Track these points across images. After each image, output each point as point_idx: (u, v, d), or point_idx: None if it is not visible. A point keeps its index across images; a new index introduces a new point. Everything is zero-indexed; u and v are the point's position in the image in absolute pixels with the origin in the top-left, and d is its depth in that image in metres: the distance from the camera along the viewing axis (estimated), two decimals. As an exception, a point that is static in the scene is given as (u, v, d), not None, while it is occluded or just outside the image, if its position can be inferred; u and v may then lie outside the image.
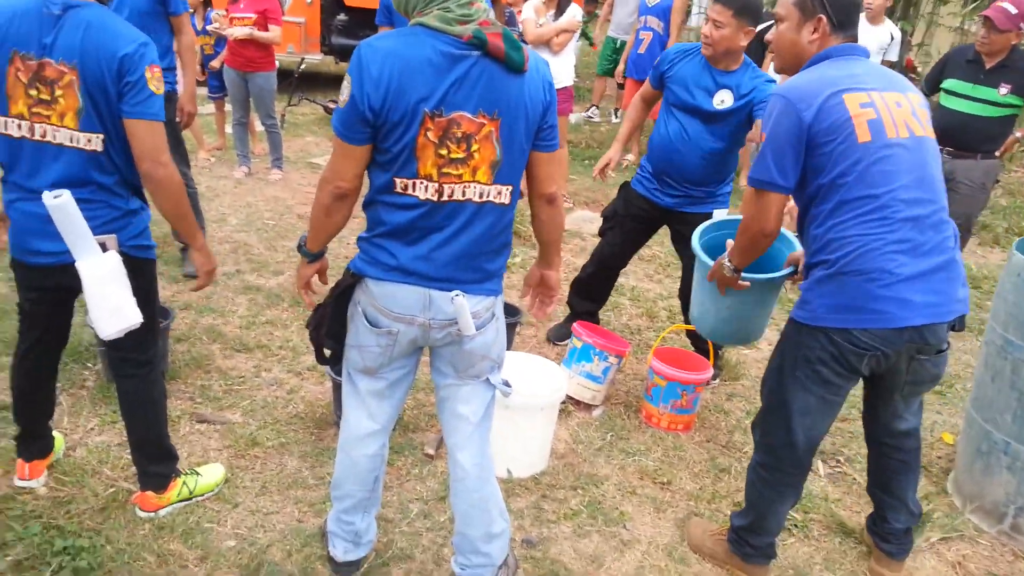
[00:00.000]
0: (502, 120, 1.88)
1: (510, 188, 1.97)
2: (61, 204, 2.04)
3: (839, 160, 2.07)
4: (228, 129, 6.09)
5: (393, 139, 1.84)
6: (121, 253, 2.20)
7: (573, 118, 8.11)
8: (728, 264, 2.44)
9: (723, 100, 3.21)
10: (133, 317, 2.20)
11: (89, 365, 3.27)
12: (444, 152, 1.87)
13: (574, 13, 5.71)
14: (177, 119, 3.94)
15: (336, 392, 2.96)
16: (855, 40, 2.23)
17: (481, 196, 1.93)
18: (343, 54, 8.60)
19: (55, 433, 2.68)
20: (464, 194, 1.91)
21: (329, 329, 2.13)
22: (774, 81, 3.25)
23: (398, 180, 1.89)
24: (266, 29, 5.51)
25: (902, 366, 2.19)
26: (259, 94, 5.66)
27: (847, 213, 2.07)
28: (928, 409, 3.67)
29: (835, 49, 2.19)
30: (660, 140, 3.37)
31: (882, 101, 2.10)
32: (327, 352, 2.20)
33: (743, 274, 2.45)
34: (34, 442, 2.57)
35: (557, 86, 5.67)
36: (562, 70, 5.77)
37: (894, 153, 2.07)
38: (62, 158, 2.13)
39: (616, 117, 8.80)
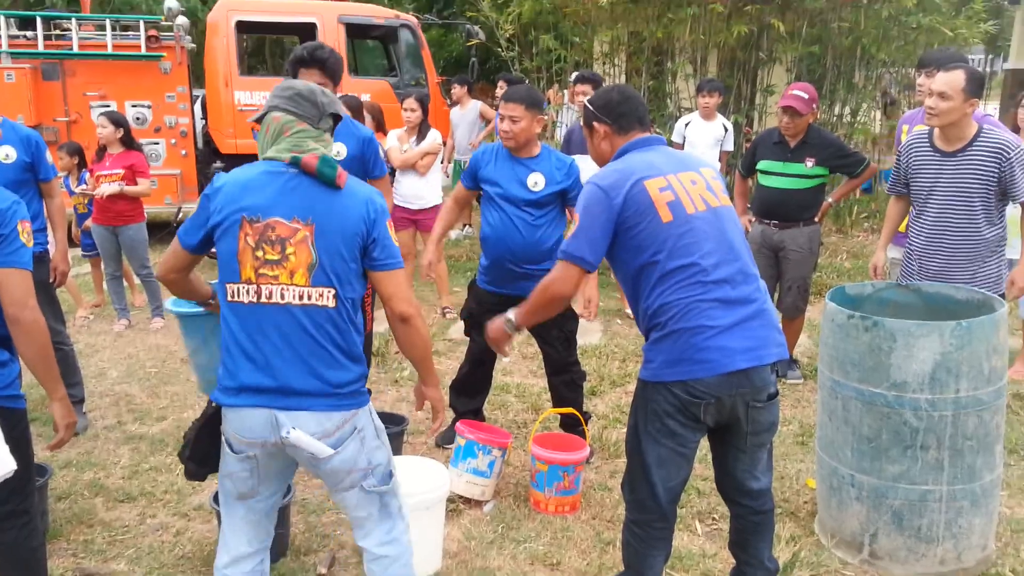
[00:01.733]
0: (316, 226, 2.08)
1: (332, 292, 2.11)
2: None
3: (650, 240, 2.36)
4: (105, 285, 6.10)
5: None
6: None
7: (453, 234, 8.47)
8: (512, 320, 2.63)
9: (536, 182, 3.57)
10: (7, 465, 2.18)
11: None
12: (260, 254, 2.06)
13: (434, 137, 6.12)
14: (51, 279, 4.01)
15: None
16: (646, 132, 2.58)
17: (301, 298, 2.08)
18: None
19: None
20: (283, 296, 2.07)
21: (193, 453, 2.24)
22: (574, 164, 3.68)
23: (228, 286, 2.09)
24: (134, 183, 5.64)
25: (739, 414, 2.41)
26: (131, 245, 5.73)
27: (667, 283, 2.35)
28: (792, 459, 3.95)
29: (630, 144, 2.53)
30: (490, 232, 3.66)
31: (678, 182, 2.42)
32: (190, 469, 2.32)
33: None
34: None
35: (427, 205, 6.05)
36: (431, 190, 6.13)
37: (695, 226, 2.37)
38: None
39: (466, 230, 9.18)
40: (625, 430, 2.67)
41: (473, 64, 9.23)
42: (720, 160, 6.43)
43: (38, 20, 8.16)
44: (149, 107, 8.36)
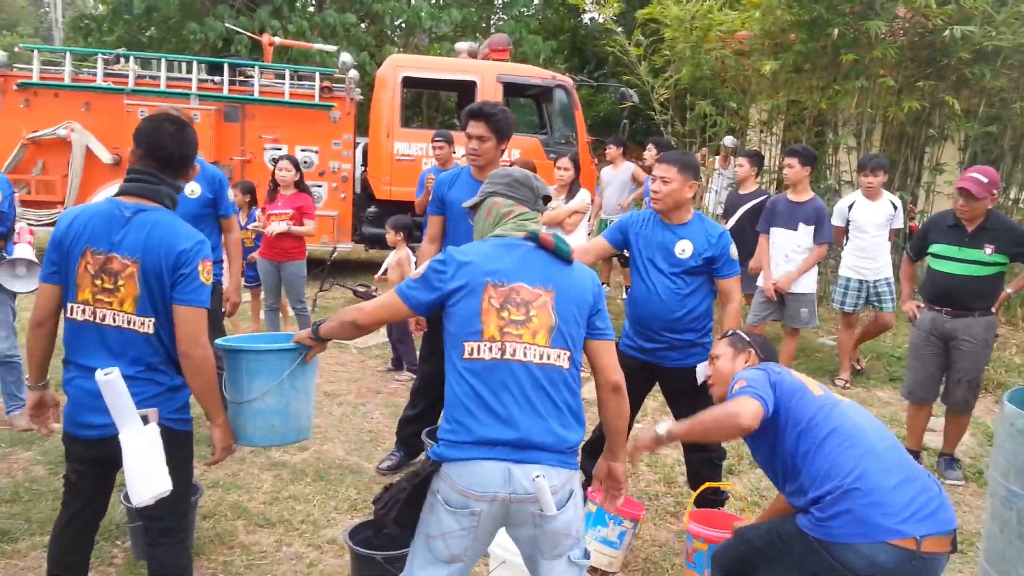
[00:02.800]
0: (555, 292, 2.24)
1: (568, 354, 2.24)
2: (111, 380, 2.26)
3: (804, 409, 2.51)
4: (262, 315, 6.45)
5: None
6: (161, 425, 2.36)
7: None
8: (665, 435, 2.59)
9: (684, 249, 3.50)
10: (164, 485, 2.33)
11: (119, 543, 3.38)
12: (505, 315, 2.20)
13: (583, 196, 6.17)
14: (223, 308, 4.31)
15: (355, 564, 3.03)
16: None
17: (541, 358, 2.20)
18: (372, 242, 9.17)
19: None
20: (525, 355, 2.18)
21: (400, 516, 2.23)
22: (725, 234, 3.58)
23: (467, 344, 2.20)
24: (301, 223, 5.99)
25: None
26: (290, 280, 6.06)
27: (831, 443, 2.44)
28: (949, 569, 3.60)
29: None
30: (635, 296, 3.64)
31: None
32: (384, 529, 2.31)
33: (255, 346, 2.67)
34: None
35: (571, 265, 6.05)
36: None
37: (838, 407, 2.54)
38: (118, 339, 2.37)
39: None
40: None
41: (624, 126, 9.31)
42: (888, 239, 6.04)
43: (225, 66, 8.92)
44: (316, 152, 8.90)
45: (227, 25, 13.78)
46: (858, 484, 2.31)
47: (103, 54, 9.01)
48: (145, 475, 2.30)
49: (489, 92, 8.92)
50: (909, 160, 8.24)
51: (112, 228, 2.38)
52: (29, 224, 7.95)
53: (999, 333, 7.60)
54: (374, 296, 7.71)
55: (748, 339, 2.89)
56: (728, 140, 8.70)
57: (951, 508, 2.37)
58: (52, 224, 8.48)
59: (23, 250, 4.44)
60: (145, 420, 2.34)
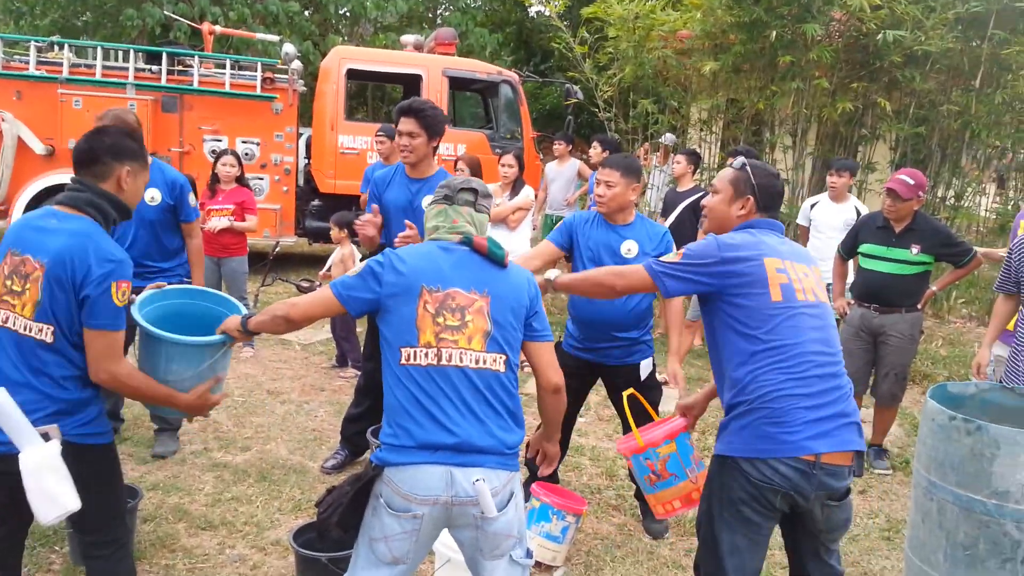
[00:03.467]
0: (491, 298, 2.28)
1: (504, 357, 2.28)
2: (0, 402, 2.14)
3: (755, 314, 2.37)
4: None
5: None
6: (66, 441, 2.26)
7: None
8: (552, 280, 2.89)
9: (629, 249, 3.59)
10: (70, 504, 2.24)
11: (56, 548, 3.32)
12: (441, 320, 2.23)
13: (527, 193, 6.22)
14: None
15: (300, 565, 3.04)
16: (776, 219, 2.63)
17: (477, 362, 2.24)
18: (316, 236, 9.08)
19: None
20: (462, 360, 2.23)
21: (343, 518, 2.25)
22: (667, 234, 3.68)
23: (404, 350, 2.23)
24: (243, 219, 5.91)
25: (816, 511, 2.39)
26: (232, 276, 5.98)
27: (763, 360, 2.35)
28: (876, 554, 3.78)
29: (757, 222, 2.57)
30: (578, 297, 3.67)
31: (793, 270, 2.45)
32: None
33: (178, 337, 2.52)
34: None
35: (514, 258, 6.10)
36: (519, 244, 6.19)
37: (801, 313, 2.38)
38: (18, 346, 2.27)
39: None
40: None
41: (569, 122, 9.38)
42: None
43: (163, 55, 8.70)
44: (258, 144, 8.76)
45: (166, 12, 13.43)
46: (768, 404, 2.32)
47: (36, 41, 8.71)
48: (47, 495, 2.21)
49: (435, 86, 8.90)
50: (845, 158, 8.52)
51: (37, 233, 2.32)
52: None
53: (925, 327, 7.94)
54: (302, 287, 7.67)
55: (754, 182, 2.58)
56: (667, 138, 8.85)
57: (859, 431, 2.40)
58: (-18, 217, 8.24)
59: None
60: (46, 437, 2.23)
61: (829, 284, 5.83)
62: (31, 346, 2.27)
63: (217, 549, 3.44)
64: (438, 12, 19.32)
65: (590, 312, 3.64)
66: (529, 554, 2.33)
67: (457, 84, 9.39)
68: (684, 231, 6.06)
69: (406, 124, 3.79)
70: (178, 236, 4.21)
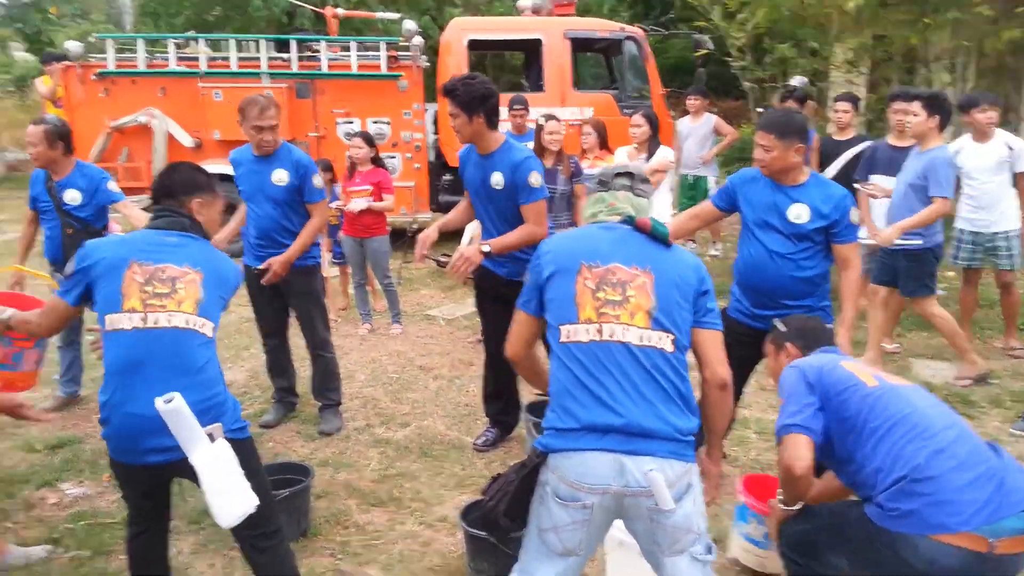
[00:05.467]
0: (655, 274, 2.17)
1: (671, 337, 2.15)
2: (174, 407, 2.18)
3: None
4: (351, 290, 6.54)
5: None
6: (227, 438, 2.32)
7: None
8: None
9: (799, 215, 3.30)
10: (250, 501, 2.31)
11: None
12: (601, 295, 2.15)
13: (664, 154, 6.00)
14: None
15: (469, 544, 3.05)
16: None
17: (641, 340, 2.13)
18: (451, 209, 9.14)
19: None
20: (624, 335, 2.13)
21: (510, 508, 2.20)
22: (846, 198, 3.35)
23: (563, 328, 2.17)
24: (380, 199, 6.02)
25: None
26: (375, 257, 6.10)
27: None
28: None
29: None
30: (745, 262, 3.48)
31: None
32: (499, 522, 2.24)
33: None
34: None
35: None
36: (661, 210, 5.99)
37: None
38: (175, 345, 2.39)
39: (714, 249, 8.87)
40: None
41: (701, 74, 8.98)
42: (1016, 186, 5.33)
43: (292, 43, 8.93)
44: (388, 123, 8.88)
45: (291, 0, 13.79)
46: (925, 477, 2.12)
47: (174, 38, 9.14)
48: (228, 495, 2.27)
49: (556, 49, 8.73)
50: (1010, 94, 7.76)
51: (162, 247, 2.48)
52: (117, 212, 8.22)
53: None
54: (442, 262, 7.74)
55: (784, 330, 2.79)
56: (797, 80, 8.29)
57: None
58: (144, 209, 8.76)
59: (112, 237, 4.55)
60: (212, 438, 2.28)
61: (1006, 233, 5.32)
62: (189, 343, 2.35)
63: (387, 526, 3.52)
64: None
65: (761, 278, 3.42)
66: (711, 550, 2.17)
67: (579, 45, 9.16)
68: (849, 185, 5.63)
69: (448, 106, 3.73)
70: (303, 216, 4.28)
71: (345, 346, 5.83)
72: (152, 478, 2.43)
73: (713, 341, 2.26)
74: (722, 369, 2.25)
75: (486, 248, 3.68)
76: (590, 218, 2.38)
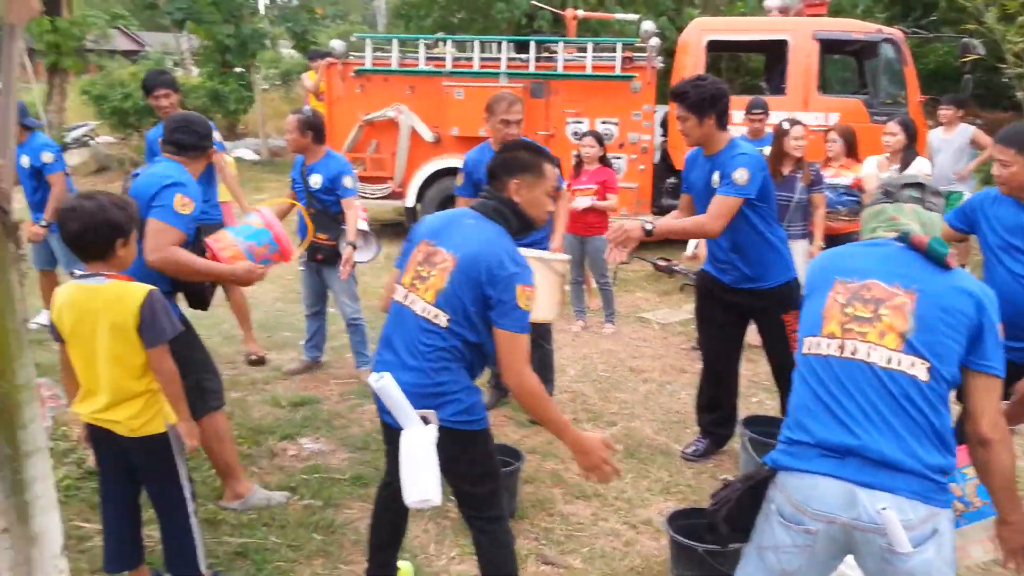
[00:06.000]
0: (918, 296, 1.99)
1: (926, 365, 1.95)
2: (383, 386, 2.36)
3: None
4: (567, 286, 6.63)
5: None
6: (444, 427, 2.40)
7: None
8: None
9: None
10: (431, 495, 2.37)
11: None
12: (850, 311, 2.03)
13: (921, 165, 5.52)
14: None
15: (675, 551, 2.99)
16: None
17: (888, 362, 1.97)
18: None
19: (401, 564, 2.97)
20: (869, 355, 1.99)
21: (731, 515, 2.13)
22: None
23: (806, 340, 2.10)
24: (604, 198, 6.05)
25: None
26: (594, 255, 6.14)
27: None
28: None
29: None
30: (995, 288, 3.05)
31: None
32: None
33: None
34: (378, 570, 2.83)
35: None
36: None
37: None
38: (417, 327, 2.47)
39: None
40: None
41: (967, 82, 8.14)
42: None
43: (531, 44, 9.21)
44: (616, 124, 8.91)
45: (532, 2, 14.25)
46: None
47: (424, 39, 9.75)
48: (413, 479, 2.36)
49: (803, 51, 8.31)
50: None
51: (453, 229, 2.52)
52: (364, 199, 8.93)
53: None
54: (675, 269, 7.63)
55: None
56: None
57: None
58: (385, 198, 9.48)
59: (360, 224, 4.94)
60: (425, 421, 2.39)
61: None
62: (423, 328, 2.45)
63: (591, 520, 3.54)
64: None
65: (1006, 308, 3.03)
66: None
67: (829, 47, 8.65)
68: None
69: (675, 109, 3.62)
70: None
71: (558, 340, 5.89)
72: (387, 435, 2.60)
73: (983, 389, 1.99)
74: (983, 423, 1.97)
75: (649, 227, 3.52)
76: (869, 233, 2.23)
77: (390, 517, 2.80)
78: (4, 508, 1.58)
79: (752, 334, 4.08)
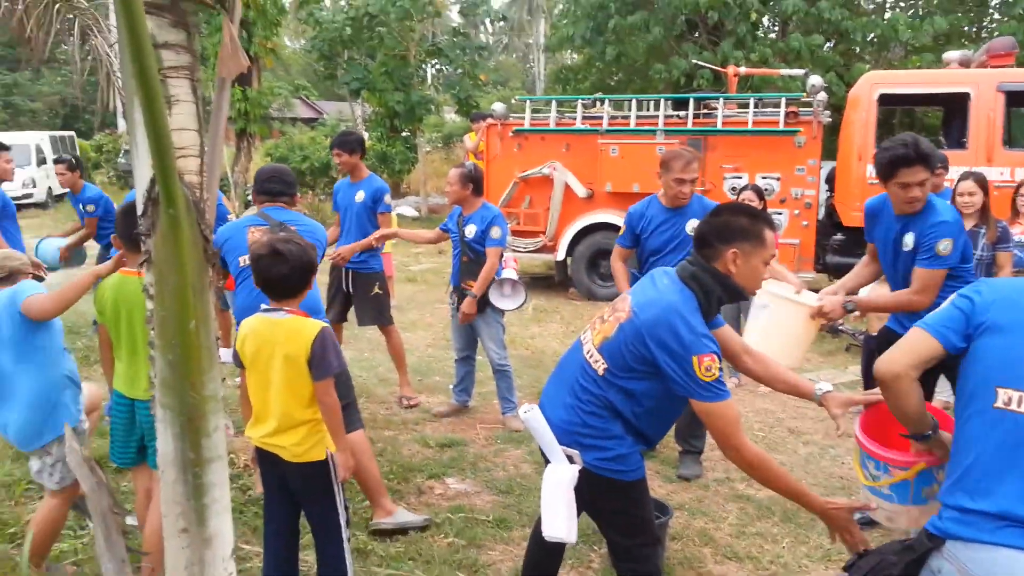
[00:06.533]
0: None
1: None
2: (528, 417, 2.42)
3: None
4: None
5: None
6: (586, 470, 2.38)
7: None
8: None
9: None
10: (563, 534, 2.35)
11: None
12: None
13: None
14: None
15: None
16: None
17: None
18: (838, 271, 8.58)
19: None
20: None
21: None
22: None
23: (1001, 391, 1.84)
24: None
25: None
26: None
27: None
28: None
29: None
30: None
31: None
32: None
33: None
34: None
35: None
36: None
37: None
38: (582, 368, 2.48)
39: None
40: None
41: None
42: None
43: (691, 101, 9.18)
44: (778, 179, 8.65)
45: (693, 61, 14.26)
46: None
47: (582, 100, 9.95)
48: (553, 513, 2.36)
49: (985, 103, 7.76)
50: None
51: (647, 287, 2.46)
52: (516, 252, 9.13)
53: None
54: (841, 329, 7.20)
55: None
56: None
57: None
58: (536, 251, 9.64)
59: (509, 273, 5.05)
60: (570, 460, 2.40)
61: None
62: (583, 370, 2.46)
63: (744, 584, 3.33)
64: (983, 25, 17.08)
65: None
66: None
67: (1015, 99, 8.05)
68: None
69: (918, 174, 3.29)
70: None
71: (712, 396, 5.70)
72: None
73: None
74: None
75: (850, 305, 3.36)
76: None
77: (541, 554, 2.78)
78: (184, 510, 1.70)
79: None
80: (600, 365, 2.39)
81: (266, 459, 2.79)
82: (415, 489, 4.12)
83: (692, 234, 4.13)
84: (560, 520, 2.34)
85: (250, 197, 15.78)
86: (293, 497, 2.82)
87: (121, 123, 23.23)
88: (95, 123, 27.97)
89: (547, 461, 2.49)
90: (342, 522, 2.80)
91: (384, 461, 4.26)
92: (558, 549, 2.77)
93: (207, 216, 1.52)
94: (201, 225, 1.49)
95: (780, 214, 8.54)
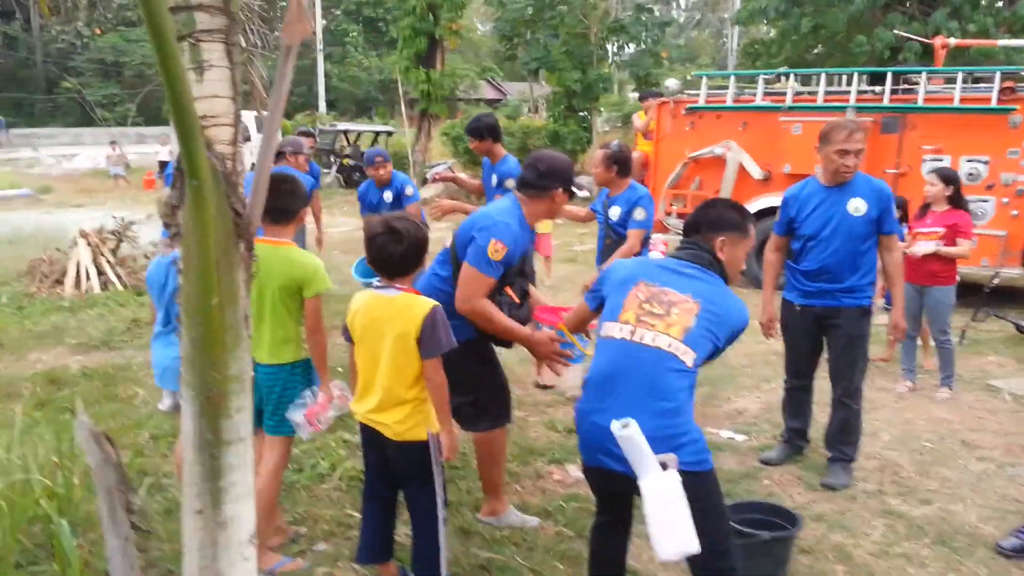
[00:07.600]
0: None
1: None
2: (629, 434, 2.23)
3: None
4: (898, 345, 5.80)
5: None
6: (682, 471, 2.27)
7: None
8: None
9: None
10: (691, 544, 2.21)
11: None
12: None
13: None
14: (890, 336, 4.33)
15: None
16: None
17: None
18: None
19: None
20: None
21: None
22: None
23: None
24: (953, 243, 5.21)
25: None
26: (935, 307, 5.32)
27: None
28: None
29: None
30: None
31: None
32: None
33: None
34: None
35: None
36: None
37: None
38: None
39: None
40: None
41: None
42: None
43: (888, 75, 8.36)
44: (986, 163, 7.72)
45: (898, 32, 13.01)
46: None
47: (763, 74, 9.34)
48: (671, 529, 2.22)
49: None
50: None
51: (675, 274, 2.57)
52: (680, 235, 8.76)
53: None
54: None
55: None
56: None
57: None
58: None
59: (654, 256, 4.82)
60: (664, 467, 2.25)
61: None
62: (670, 368, 2.38)
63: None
64: None
65: None
66: None
67: None
68: None
69: None
70: (875, 250, 4.00)
71: (876, 401, 5.18)
72: (604, 480, 2.53)
73: None
74: None
75: None
76: None
77: (608, 555, 2.73)
78: (200, 491, 1.66)
79: None
80: (688, 356, 2.41)
81: (369, 435, 2.83)
82: (533, 473, 4.06)
83: (855, 215, 3.80)
84: (685, 534, 2.22)
85: (428, 175, 16.46)
86: (393, 475, 2.85)
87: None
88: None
89: (606, 473, 2.41)
90: (439, 502, 2.78)
91: (508, 442, 4.23)
92: (621, 549, 2.74)
93: (239, 189, 1.49)
94: (232, 198, 1.46)
95: (986, 201, 7.66)
